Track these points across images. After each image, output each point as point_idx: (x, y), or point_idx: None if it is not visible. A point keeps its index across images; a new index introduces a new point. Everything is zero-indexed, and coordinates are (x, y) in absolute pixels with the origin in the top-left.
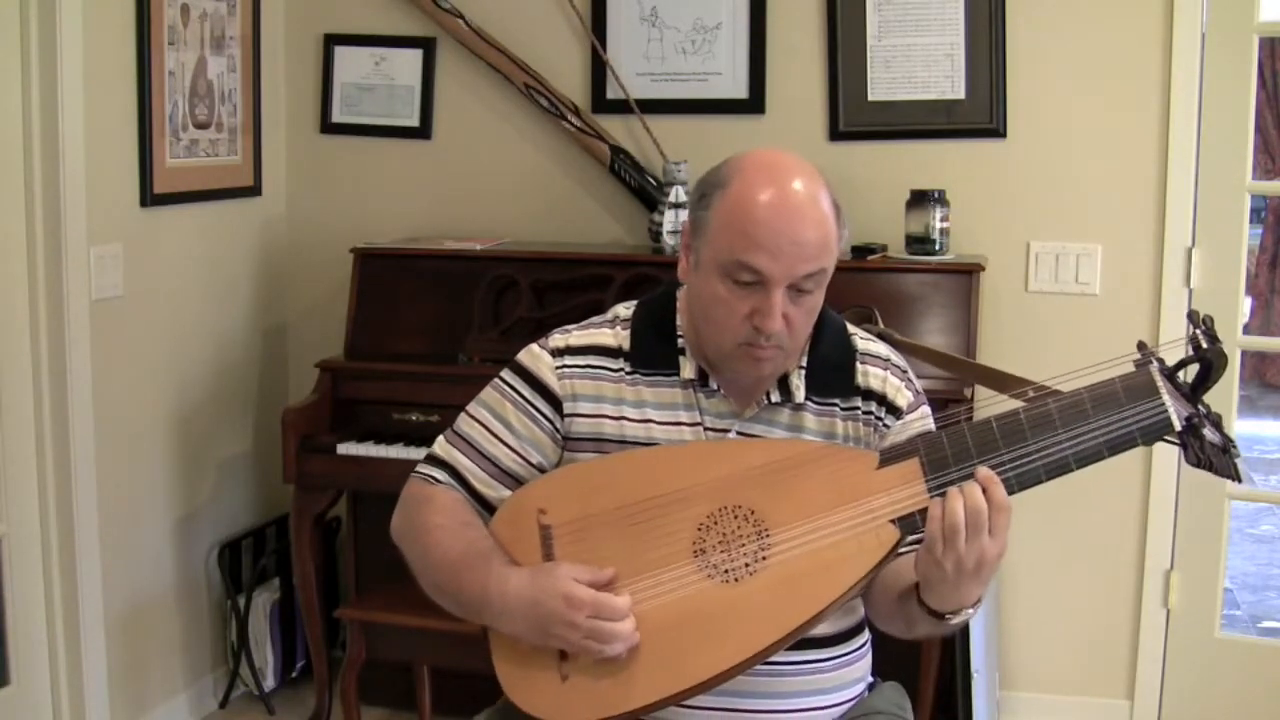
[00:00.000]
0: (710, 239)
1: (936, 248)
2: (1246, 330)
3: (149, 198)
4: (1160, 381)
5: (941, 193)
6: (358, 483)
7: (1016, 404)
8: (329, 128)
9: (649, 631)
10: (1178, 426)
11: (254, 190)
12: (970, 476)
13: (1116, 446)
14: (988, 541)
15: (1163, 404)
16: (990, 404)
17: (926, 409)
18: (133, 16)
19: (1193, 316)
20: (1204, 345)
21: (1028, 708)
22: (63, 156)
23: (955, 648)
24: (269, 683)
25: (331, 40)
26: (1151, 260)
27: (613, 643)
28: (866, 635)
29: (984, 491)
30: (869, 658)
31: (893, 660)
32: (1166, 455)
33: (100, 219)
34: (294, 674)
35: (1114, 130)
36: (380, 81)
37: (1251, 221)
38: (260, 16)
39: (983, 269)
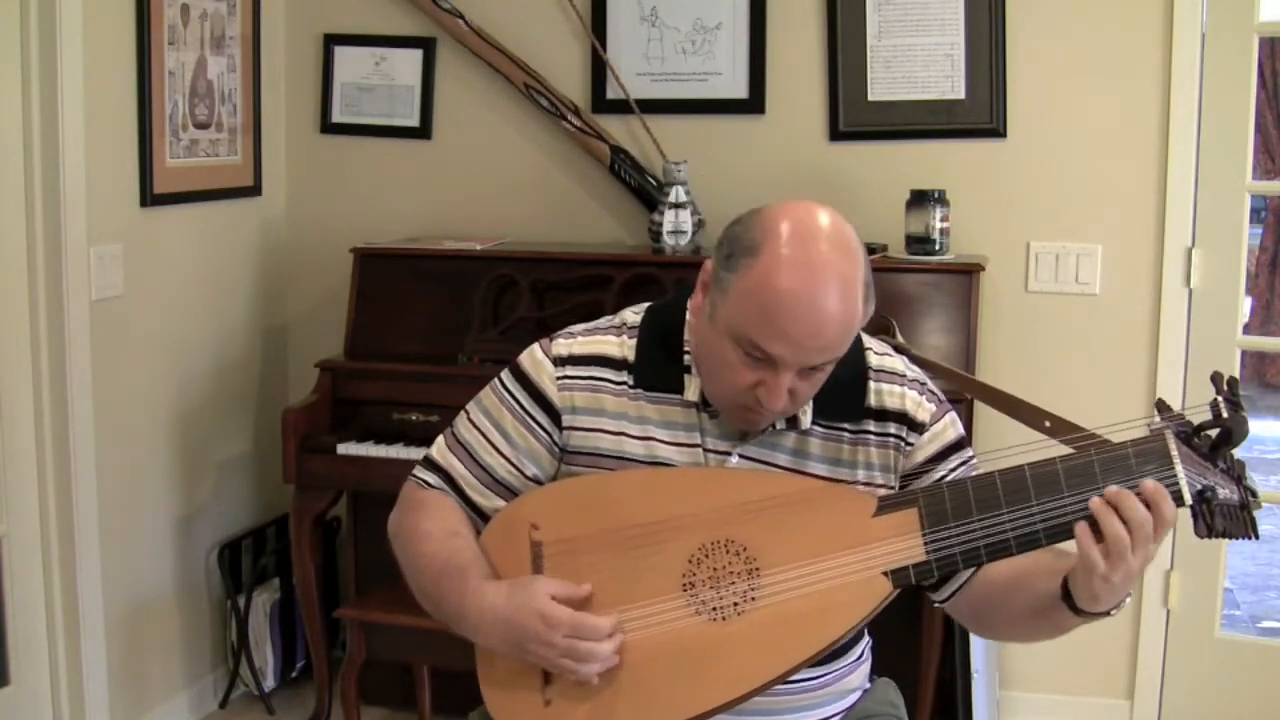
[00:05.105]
0: (730, 304)
1: (936, 248)
2: (1246, 330)
3: (149, 198)
4: (1174, 450)
5: (941, 193)
6: (358, 483)
7: (1028, 444)
8: (329, 128)
9: (633, 662)
10: (1188, 500)
11: (254, 190)
12: (970, 536)
13: None
14: (1152, 545)
15: (1174, 474)
16: (992, 416)
17: (952, 415)
18: (133, 16)
19: (1216, 380)
20: (1224, 414)
21: (1028, 708)
22: (63, 156)
23: (955, 648)
24: (269, 683)
25: (331, 40)
26: (1151, 260)
27: (589, 663)
28: (866, 642)
29: (1150, 506)
30: (868, 664)
31: (893, 660)
32: None
33: (100, 219)
34: (294, 674)
35: (1114, 130)
36: (380, 81)
37: (1251, 221)
38: (260, 16)
39: (983, 269)
